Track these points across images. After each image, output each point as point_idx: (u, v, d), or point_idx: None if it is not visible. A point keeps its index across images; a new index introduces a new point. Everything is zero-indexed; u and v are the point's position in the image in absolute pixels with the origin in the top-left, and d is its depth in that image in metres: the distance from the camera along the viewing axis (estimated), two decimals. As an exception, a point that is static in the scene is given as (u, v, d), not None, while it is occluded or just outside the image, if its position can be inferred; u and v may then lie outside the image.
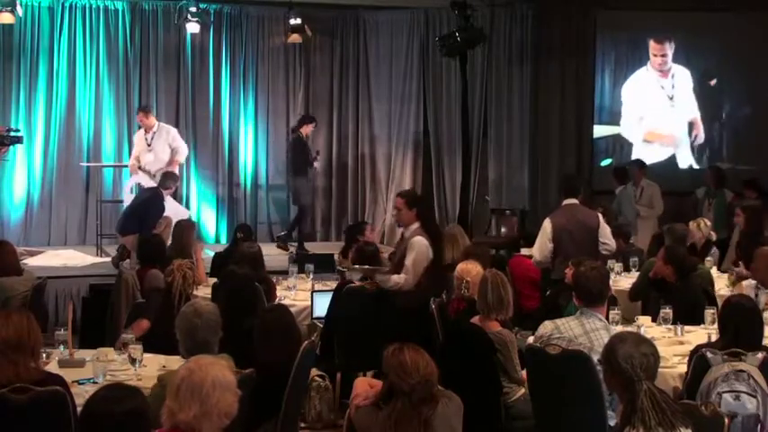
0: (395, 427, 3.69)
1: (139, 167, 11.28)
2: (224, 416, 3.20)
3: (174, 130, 11.56)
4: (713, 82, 13.33)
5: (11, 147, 10.43)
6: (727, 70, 13.30)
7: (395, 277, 6.92)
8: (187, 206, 12.71)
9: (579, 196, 7.85)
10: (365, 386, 4.22)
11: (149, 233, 9.32)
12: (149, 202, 10.22)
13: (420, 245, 6.96)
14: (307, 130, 11.97)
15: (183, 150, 11.50)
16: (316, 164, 12.04)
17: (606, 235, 7.65)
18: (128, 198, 11.22)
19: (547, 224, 7.61)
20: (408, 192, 8.27)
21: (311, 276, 8.28)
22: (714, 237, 9.48)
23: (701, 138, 13.40)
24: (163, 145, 11.25)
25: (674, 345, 5.70)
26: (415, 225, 7.10)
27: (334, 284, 7.46)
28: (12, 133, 10.30)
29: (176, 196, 11.33)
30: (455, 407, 3.87)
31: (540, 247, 7.59)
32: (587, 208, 7.99)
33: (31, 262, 10.11)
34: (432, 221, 7.59)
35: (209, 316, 4.52)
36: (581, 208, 7.79)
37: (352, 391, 4.20)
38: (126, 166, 12.52)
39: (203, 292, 7.22)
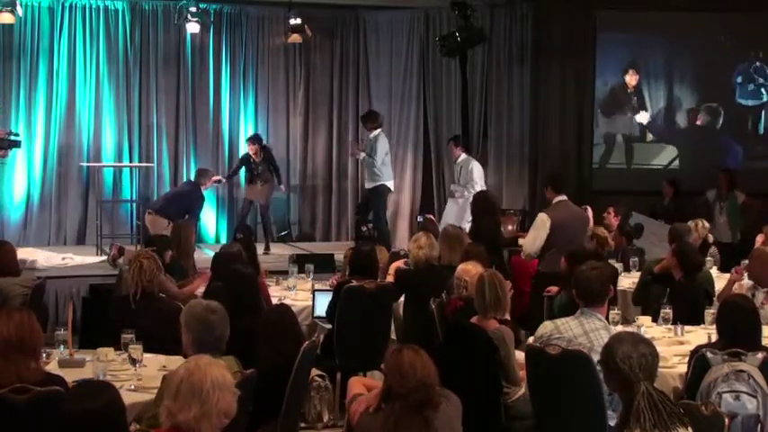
0: (394, 430, 3.66)
1: None
2: (223, 416, 3.20)
3: None
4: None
5: (9, 150, 10.45)
6: (730, 69, 13.31)
7: None
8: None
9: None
10: (360, 386, 4.21)
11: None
12: (188, 195, 10.81)
13: None
14: (250, 148, 11.90)
15: None
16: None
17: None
18: None
19: (545, 219, 7.83)
20: None
21: (311, 276, 8.28)
22: (711, 238, 9.50)
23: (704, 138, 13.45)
24: None
25: (674, 345, 5.70)
26: None
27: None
28: (11, 137, 10.32)
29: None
30: (454, 407, 3.86)
31: (535, 241, 7.82)
32: (576, 205, 8.33)
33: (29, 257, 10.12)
34: None
35: (221, 312, 4.56)
36: (572, 205, 8.16)
37: (347, 392, 4.18)
38: (126, 167, 12.56)
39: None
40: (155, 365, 5.05)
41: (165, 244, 7.57)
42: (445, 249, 7.59)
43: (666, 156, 13.43)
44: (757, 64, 13.16)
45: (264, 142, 12.19)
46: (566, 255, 7.16)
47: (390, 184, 11.72)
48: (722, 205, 11.66)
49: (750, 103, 13.31)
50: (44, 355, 4.86)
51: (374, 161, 11.39)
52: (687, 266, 6.82)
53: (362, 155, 11.49)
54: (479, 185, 11.38)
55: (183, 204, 10.66)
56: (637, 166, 13.37)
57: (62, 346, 5.36)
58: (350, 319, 6.79)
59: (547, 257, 7.72)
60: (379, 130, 11.57)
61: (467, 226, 10.02)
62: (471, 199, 10.02)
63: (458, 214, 11.26)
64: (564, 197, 8.02)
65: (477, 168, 11.57)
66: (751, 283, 6.71)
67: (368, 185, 11.71)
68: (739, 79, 13.24)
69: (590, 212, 10.01)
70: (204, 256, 10.17)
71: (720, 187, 11.80)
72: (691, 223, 9.12)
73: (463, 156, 11.62)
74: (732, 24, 13.04)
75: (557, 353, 4.81)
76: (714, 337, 5.15)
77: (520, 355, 5.37)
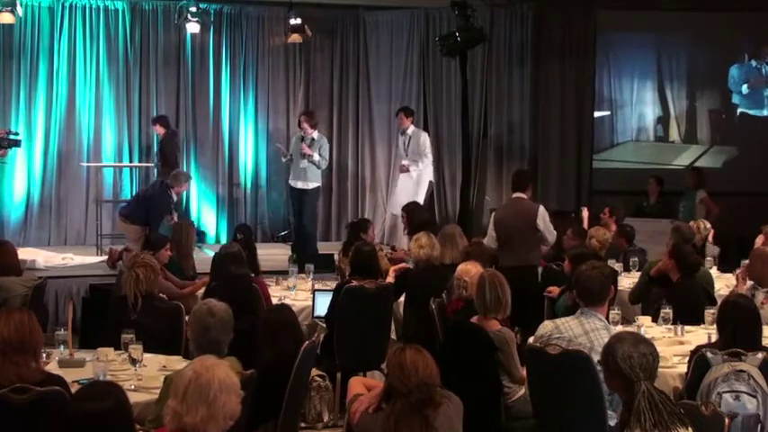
0: (394, 429, 3.67)
1: None
2: (229, 418, 3.19)
3: None
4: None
5: (9, 149, 10.45)
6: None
7: None
8: (187, 206, 12.74)
9: (527, 191, 8.21)
10: (360, 386, 4.21)
11: (155, 229, 9.45)
12: (157, 198, 10.21)
13: None
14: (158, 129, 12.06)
15: None
16: None
17: (546, 228, 7.98)
18: None
19: (492, 216, 8.35)
20: None
21: (311, 276, 8.28)
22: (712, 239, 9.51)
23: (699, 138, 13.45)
24: None
25: (674, 345, 5.70)
26: None
27: (334, 284, 7.45)
28: (11, 136, 10.32)
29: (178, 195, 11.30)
30: (455, 407, 3.86)
31: (488, 237, 8.16)
32: (531, 202, 8.32)
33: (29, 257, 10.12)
34: None
35: (222, 315, 4.55)
36: (524, 201, 8.16)
37: (347, 392, 4.18)
38: (127, 167, 12.56)
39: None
40: (155, 365, 5.06)
41: (160, 244, 7.55)
42: (444, 248, 7.61)
43: (667, 157, 13.44)
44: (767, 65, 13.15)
45: (172, 128, 12.27)
46: (569, 256, 7.17)
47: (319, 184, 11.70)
48: (684, 204, 11.71)
49: (765, 112, 13.27)
50: (44, 355, 4.86)
51: (325, 162, 11.38)
52: (684, 267, 6.80)
53: (316, 156, 11.37)
54: (430, 156, 11.78)
55: (148, 208, 10.11)
56: (635, 167, 13.35)
57: (62, 346, 5.36)
58: (350, 319, 6.79)
59: (500, 253, 7.95)
60: (316, 131, 11.58)
61: (421, 199, 10.84)
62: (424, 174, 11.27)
63: (412, 189, 11.29)
64: (519, 195, 8.13)
65: (427, 139, 11.88)
66: (751, 283, 6.71)
67: (302, 186, 11.41)
68: (744, 90, 13.24)
69: (586, 213, 10.06)
70: (204, 256, 10.18)
71: (687, 186, 11.84)
72: (693, 224, 9.13)
73: (412, 127, 11.84)
74: (732, 24, 13.04)
75: (557, 353, 4.81)
76: (714, 337, 5.15)
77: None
